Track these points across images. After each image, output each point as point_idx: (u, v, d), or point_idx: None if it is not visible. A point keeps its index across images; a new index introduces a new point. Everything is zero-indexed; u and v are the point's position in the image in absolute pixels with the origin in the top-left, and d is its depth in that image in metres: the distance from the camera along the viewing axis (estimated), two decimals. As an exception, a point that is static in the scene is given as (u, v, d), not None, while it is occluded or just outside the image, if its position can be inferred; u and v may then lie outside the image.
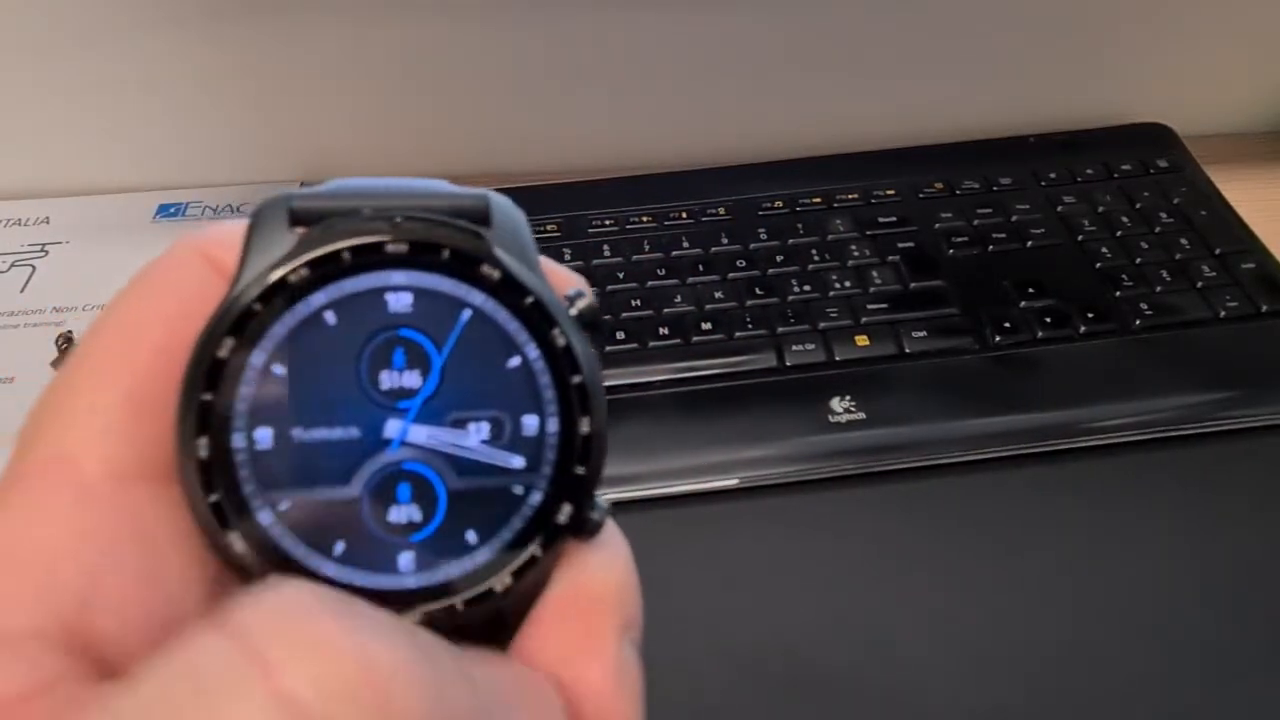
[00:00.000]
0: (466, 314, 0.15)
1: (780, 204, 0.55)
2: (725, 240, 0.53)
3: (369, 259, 0.14)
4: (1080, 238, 0.51)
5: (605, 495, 0.15)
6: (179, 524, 0.14)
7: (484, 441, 0.15)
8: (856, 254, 0.51)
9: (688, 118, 0.61)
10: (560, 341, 0.15)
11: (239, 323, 0.14)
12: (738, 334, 0.48)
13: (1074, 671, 0.35)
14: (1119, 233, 0.52)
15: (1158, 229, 0.51)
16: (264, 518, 0.14)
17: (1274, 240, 0.50)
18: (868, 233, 0.53)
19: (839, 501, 0.41)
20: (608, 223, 0.54)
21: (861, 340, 0.47)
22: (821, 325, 0.48)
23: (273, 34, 0.56)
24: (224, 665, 0.11)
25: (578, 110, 0.61)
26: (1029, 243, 0.51)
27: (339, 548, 0.14)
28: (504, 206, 0.16)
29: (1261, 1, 0.58)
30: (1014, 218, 0.53)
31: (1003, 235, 0.52)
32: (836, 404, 0.44)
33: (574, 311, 0.15)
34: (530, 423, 0.15)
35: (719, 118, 0.61)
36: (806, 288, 0.50)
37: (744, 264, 0.51)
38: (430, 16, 0.56)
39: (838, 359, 0.46)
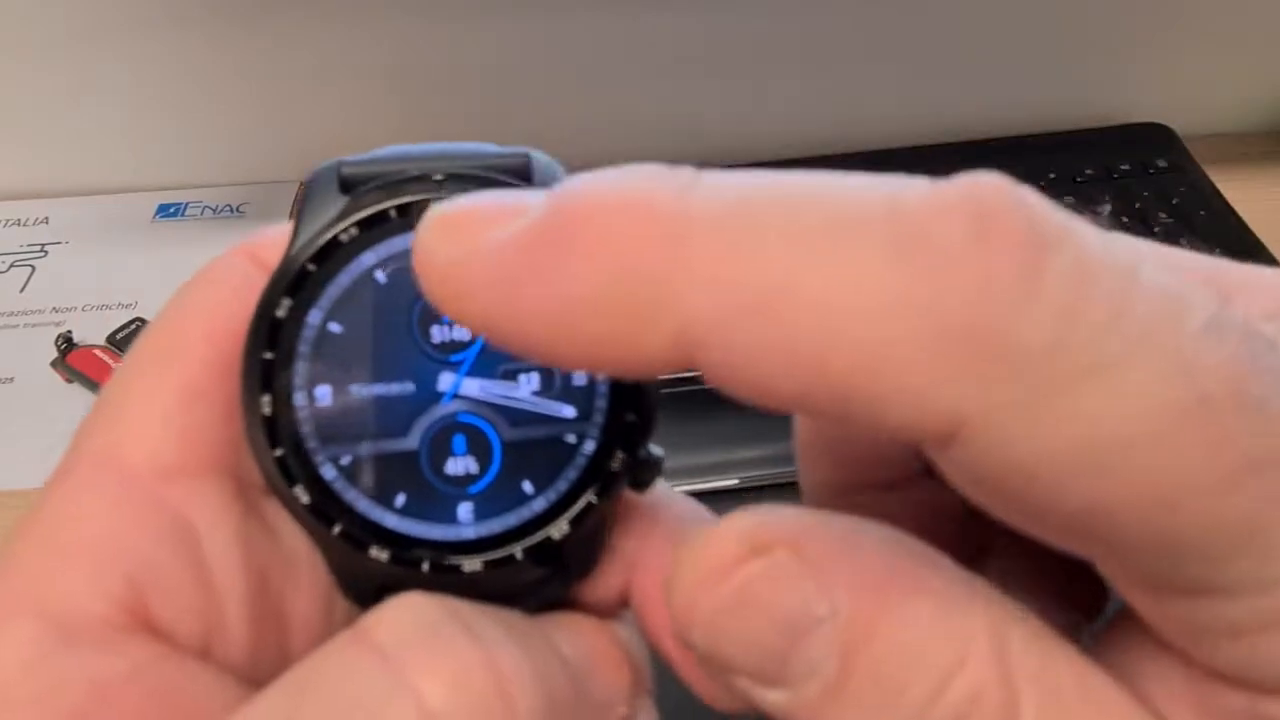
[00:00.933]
0: None
1: (780, 204, 0.55)
2: (725, 240, 0.53)
3: (414, 217, 0.14)
4: (1080, 238, 0.51)
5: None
6: (219, 515, 0.14)
7: (535, 392, 0.15)
8: (856, 254, 0.51)
9: (688, 117, 0.61)
10: None
11: (295, 283, 0.14)
12: (737, 334, 0.47)
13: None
14: (1118, 233, 0.51)
15: (1157, 229, 0.51)
16: (327, 472, 0.14)
17: (1274, 240, 0.50)
18: (867, 233, 0.53)
19: (839, 501, 0.41)
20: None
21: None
22: (821, 325, 0.48)
23: (273, 34, 0.56)
24: (374, 685, 0.12)
25: (577, 110, 0.61)
26: (1029, 243, 0.51)
27: (400, 499, 0.15)
28: (544, 163, 0.16)
29: (1261, 1, 0.58)
30: (1014, 218, 0.53)
31: (1002, 235, 0.52)
32: (836, 404, 0.44)
33: None
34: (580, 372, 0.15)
35: (719, 117, 0.61)
36: (806, 288, 0.50)
37: (744, 264, 0.51)
38: (430, 16, 0.56)
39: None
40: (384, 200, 0.15)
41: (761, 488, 0.42)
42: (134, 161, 0.61)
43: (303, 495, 0.14)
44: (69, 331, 0.50)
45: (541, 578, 0.15)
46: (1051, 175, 0.55)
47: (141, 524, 0.13)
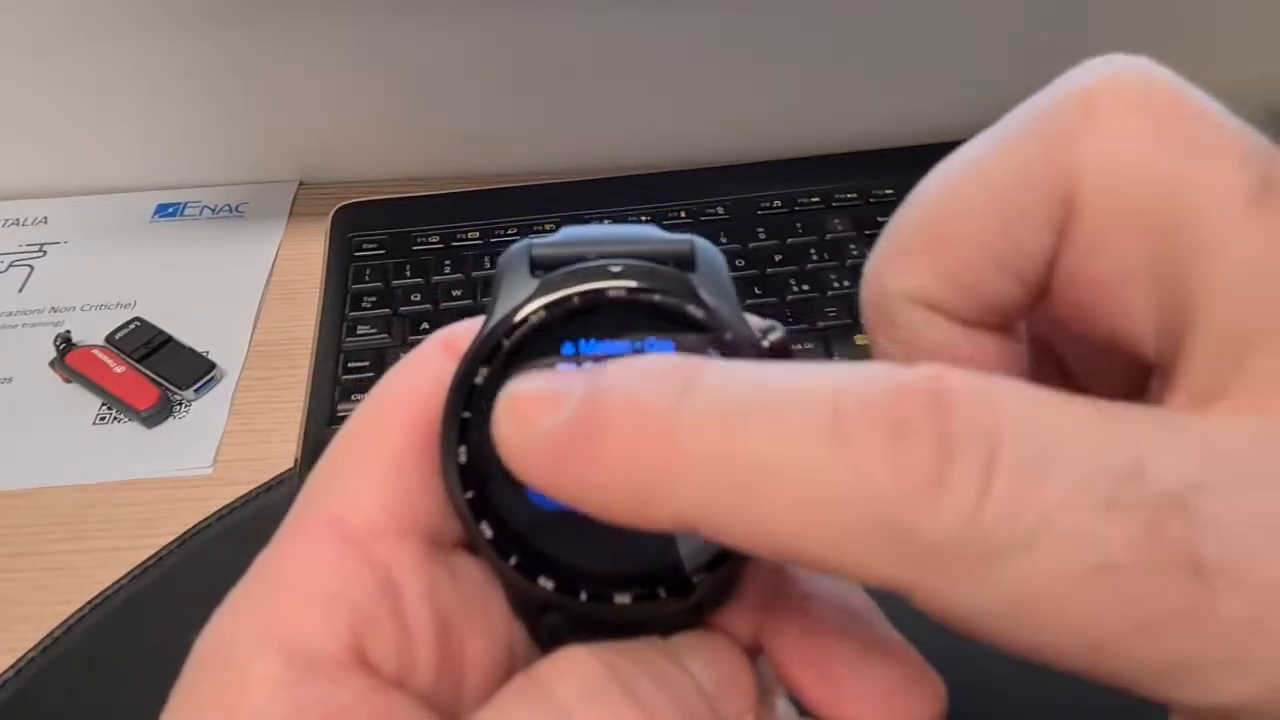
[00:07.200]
0: (673, 347, 0.17)
1: (779, 204, 0.55)
2: (724, 240, 0.53)
3: (594, 300, 0.17)
4: (1079, 237, 0.51)
5: None
6: (415, 570, 0.17)
7: None
8: (855, 253, 0.51)
9: (688, 118, 0.61)
10: None
11: (490, 355, 0.17)
12: (737, 334, 0.47)
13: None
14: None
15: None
16: (508, 512, 0.17)
17: (1273, 240, 0.50)
18: (866, 232, 0.53)
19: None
20: (607, 223, 0.54)
21: (861, 340, 0.47)
22: (821, 325, 0.48)
23: (272, 34, 0.56)
24: None
25: (578, 110, 0.61)
26: (1028, 242, 0.51)
27: (567, 538, 0.17)
28: (706, 250, 0.18)
29: (1259, 2, 0.58)
30: (1013, 217, 0.53)
31: (1002, 235, 0.52)
32: (836, 404, 0.44)
33: (766, 343, 0.18)
34: None
35: (719, 118, 0.61)
36: (805, 287, 0.50)
37: (743, 263, 0.51)
38: (430, 16, 0.56)
39: (837, 359, 0.46)
40: (567, 286, 0.17)
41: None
42: (133, 161, 0.61)
43: (487, 530, 0.17)
44: (68, 331, 0.50)
45: (678, 610, 0.17)
46: (1051, 175, 0.55)
47: (358, 578, 0.16)
